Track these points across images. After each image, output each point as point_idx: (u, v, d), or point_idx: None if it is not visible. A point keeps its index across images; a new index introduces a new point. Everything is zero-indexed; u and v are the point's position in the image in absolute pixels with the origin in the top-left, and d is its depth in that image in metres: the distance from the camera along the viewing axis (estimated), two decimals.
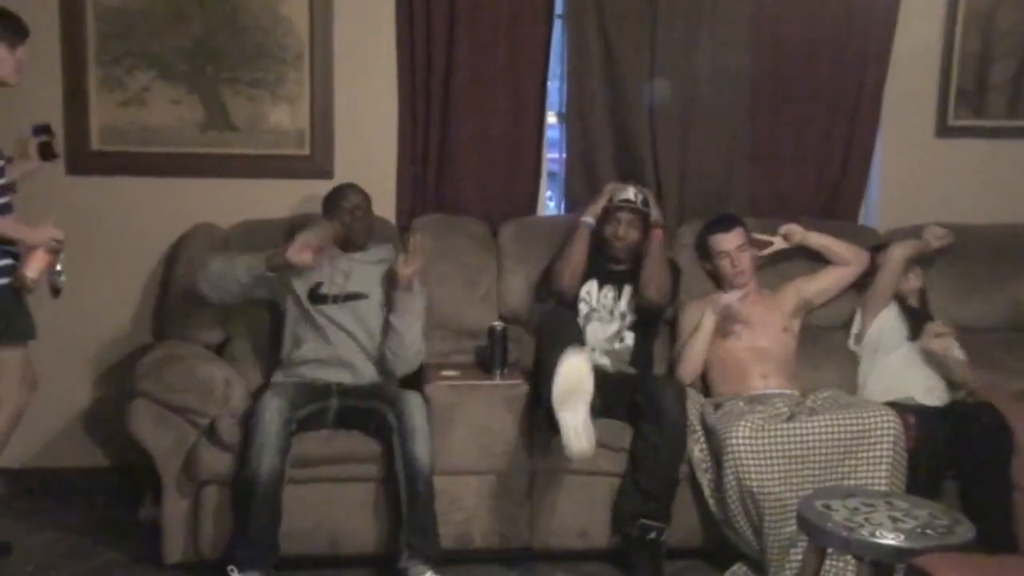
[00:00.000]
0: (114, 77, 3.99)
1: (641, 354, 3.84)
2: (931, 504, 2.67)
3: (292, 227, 3.81)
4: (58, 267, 3.40)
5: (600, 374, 3.47)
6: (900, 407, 3.47)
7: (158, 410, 3.38)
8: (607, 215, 3.86)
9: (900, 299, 3.91)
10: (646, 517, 3.42)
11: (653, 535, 3.42)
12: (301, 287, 3.63)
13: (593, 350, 3.72)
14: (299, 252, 3.45)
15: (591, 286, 3.85)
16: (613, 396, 3.54)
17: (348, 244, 3.70)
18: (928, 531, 2.42)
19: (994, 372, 3.90)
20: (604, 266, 3.87)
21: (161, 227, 4.04)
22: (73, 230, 3.89)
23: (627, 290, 3.85)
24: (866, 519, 2.48)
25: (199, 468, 3.36)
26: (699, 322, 3.77)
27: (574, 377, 3.25)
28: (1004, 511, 2.94)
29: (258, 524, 3.22)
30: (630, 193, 3.88)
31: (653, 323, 3.89)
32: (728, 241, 3.86)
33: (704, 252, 3.96)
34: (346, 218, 3.66)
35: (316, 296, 3.63)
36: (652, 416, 3.44)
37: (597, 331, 3.79)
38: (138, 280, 4.10)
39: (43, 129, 3.65)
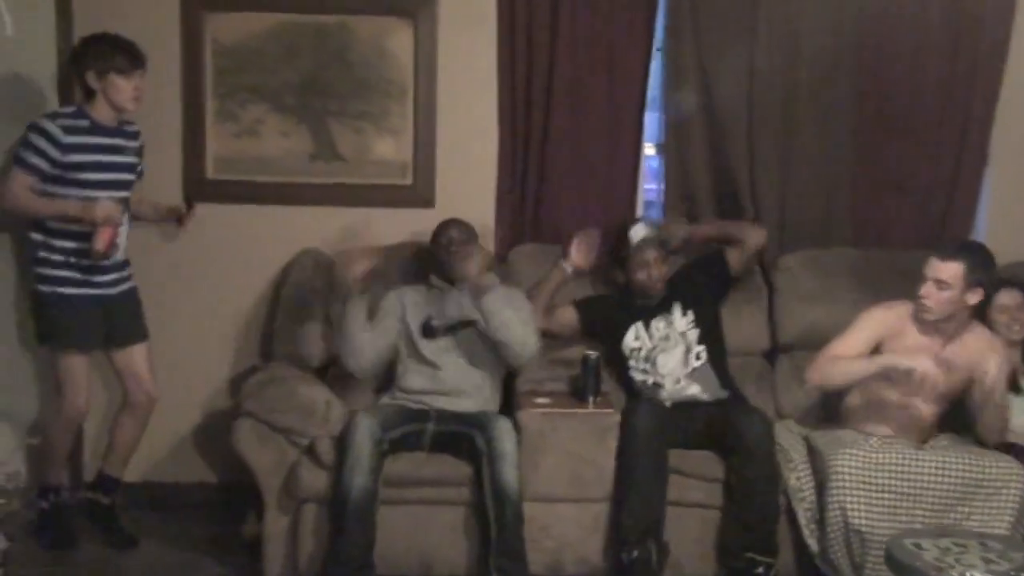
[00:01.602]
0: (228, 110, 4.17)
1: (720, 371, 3.82)
2: None
3: (394, 254, 3.96)
4: (117, 241, 3.60)
5: (691, 404, 3.49)
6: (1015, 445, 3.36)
7: (261, 429, 3.51)
8: (628, 264, 3.88)
9: None
10: (751, 551, 3.39)
11: (761, 570, 3.38)
12: (413, 322, 3.74)
13: (678, 382, 3.74)
14: (352, 266, 3.67)
15: (638, 331, 3.85)
16: (703, 426, 3.54)
17: (452, 278, 3.78)
18: (1022, 574, 2.36)
19: None
20: (642, 305, 3.89)
21: (270, 252, 4.20)
22: (188, 254, 4.14)
23: (676, 309, 3.86)
24: (957, 559, 2.44)
25: (299, 486, 3.47)
26: (881, 355, 3.40)
27: None
28: None
29: (350, 542, 3.31)
30: (642, 231, 3.90)
31: (715, 325, 3.89)
32: (932, 269, 3.38)
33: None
34: (443, 254, 3.76)
35: (427, 329, 3.73)
36: (741, 451, 3.42)
37: (669, 361, 3.78)
38: (248, 303, 4.26)
39: (189, 203, 3.99)
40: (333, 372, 3.93)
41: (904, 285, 3.87)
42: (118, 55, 3.53)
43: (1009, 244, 4.16)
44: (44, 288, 3.61)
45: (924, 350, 3.37)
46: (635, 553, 3.36)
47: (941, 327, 3.42)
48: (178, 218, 4.00)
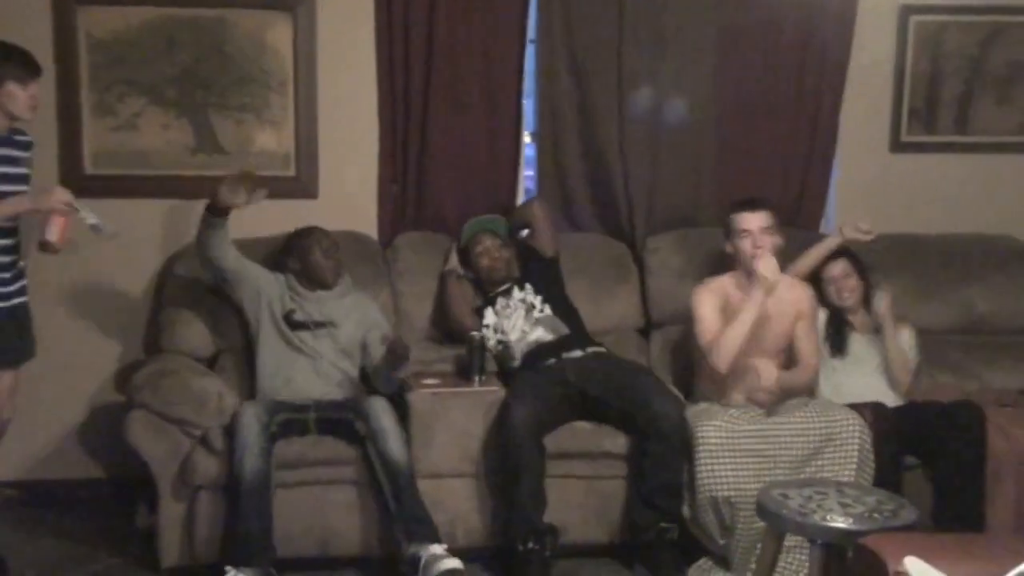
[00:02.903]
0: (106, 104, 4.15)
1: (563, 315, 4.03)
2: (879, 491, 2.87)
3: (278, 245, 4.02)
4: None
5: (572, 377, 3.70)
6: (857, 405, 3.65)
7: (155, 421, 3.54)
8: (469, 255, 4.13)
9: (835, 310, 3.99)
10: (662, 522, 3.57)
11: (672, 534, 3.57)
12: (277, 307, 3.82)
13: (523, 335, 3.95)
14: (231, 191, 3.60)
15: (488, 318, 4.04)
16: (604, 395, 3.72)
17: (315, 284, 3.88)
18: (875, 515, 2.63)
19: (951, 373, 4.14)
20: (493, 294, 4.10)
21: (152, 247, 4.22)
22: (69, 248, 4.09)
23: (515, 288, 4.07)
24: (818, 505, 2.69)
25: (194, 474, 3.52)
26: (737, 311, 3.64)
27: None
28: (975, 495, 3.30)
29: (248, 522, 3.38)
30: (473, 224, 4.19)
31: (554, 280, 4.12)
32: (750, 221, 3.74)
33: (726, 232, 3.82)
34: (319, 258, 3.87)
35: (292, 322, 3.82)
36: (655, 435, 3.55)
37: (513, 322, 3.99)
38: (131, 297, 4.26)
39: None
40: (220, 364, 3.98)
41: None
42: (13, 63, 3.46)
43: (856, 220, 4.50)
44: None
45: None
46: (529, 544, 3.50)
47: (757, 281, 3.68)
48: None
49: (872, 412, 3.59)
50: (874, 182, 4.59)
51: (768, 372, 3.59)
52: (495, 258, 4.10)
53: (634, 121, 4.39)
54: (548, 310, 4.02)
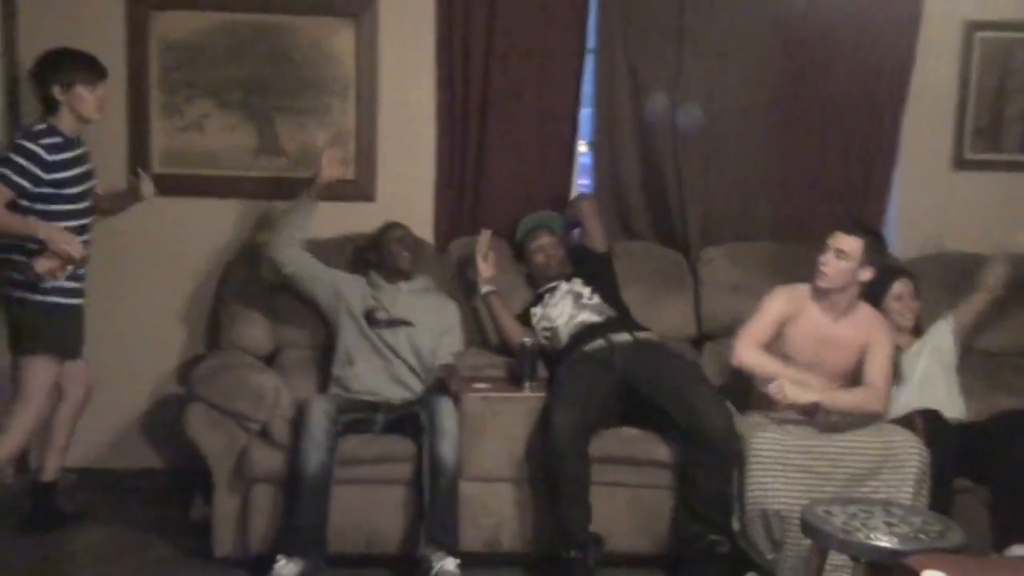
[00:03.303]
0: (174, 105, 4.28)
1: (611, 301, 4.05)
2: (926, 512, 2.85)
3: (336, 246, 4.11)
4: (72, 269, 3.61)
5: (620, 363, 3.74)
6: (912, 413, 3.62)
7: (213, 414, 3.63)
8: (524, 253, 4.18)
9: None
10: (710, 534, 3.53)
11: (723, 548, 3.52)
12: (358, 307, 3.91)
13: (570, 319, 3.99)
14: (328, 168, 3.89)
15: (537, 313, 4.09)
16: (628, 403, 3.73)
17: (393, 275, 3.97)
18: (920, 535, 2.61)
19: (1012, 396, 4.03)
20: (539, 289, 4.15)
21: (215, 244, 4.32)
22: (135, 245, 4.23)
23: (562, 285, 4.10)
24: (863, 523, 2.68)
25: (251, 467, 3.60)
26: (789, 374, 3.57)
27: None
28: None
29: (306, 515, 3.46)
30: (531, 221, 4.21)
31: (605, 274, 4.15)
32: (834, 240, 3.62)
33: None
34: (393, 248, 3.96)
35: (372, 319, 3.90)
36: (704, 446, 3.54)
37: (565, 310, 4.02)
38: (194, 293, 4.37)
39: (136, 172, 3.99)
40: (278, 361, 4.06)
41: None
42: (81, 67, 3.60)
43: (915, 239, 4.47)
44: (36, 296, 3.62)
45: (819, 325, 3.66)
46: (572, 553, 3.51)
47: (835, 301, 3.66)
48: (134, 193, 3.96)
49: (924, 418, 3.56)
50: (936, 199, 4.53)
51: (785, 387, 3.49)
52: (550, 255, 4.15)
53: (690, 132, 4.39)
54: (597, 298, 4.05)
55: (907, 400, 3.83)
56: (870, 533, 2.61)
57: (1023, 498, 3.47)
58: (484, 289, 4.08)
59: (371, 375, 3.85)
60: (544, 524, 3.68)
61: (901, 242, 4.49)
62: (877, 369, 3.63)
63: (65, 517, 3.94)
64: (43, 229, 3.54)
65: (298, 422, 3.58)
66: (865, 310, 3.75)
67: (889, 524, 2.68)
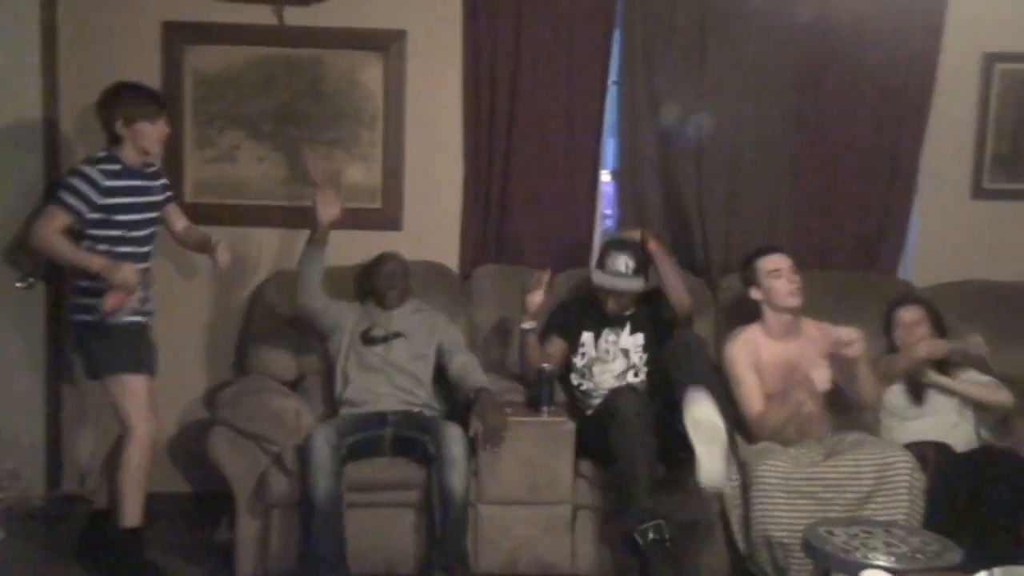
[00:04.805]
0: (206, 136, 4.40)
1: (657, 384, 3.94)
2: (926, 533, 2.87)
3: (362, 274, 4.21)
4: (136, 304, 3.68)
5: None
6: (921, 444, 3.64)
7: (235, 437, 3.71)
8: (604, 270, 3.99)
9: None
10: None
11: (654, 535, 3.46)
12: (354, 330, 4.01)
13: (616, 379, 3.96)
14: (325, 211, 3.88)
15: (586, 338, 4.05)
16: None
17: (384, 305, 4.08)
18: (918, 555, 2.63)
19: None
20: (598, 314, 4.05)
21: (245, 272, 4.42)
22: (167, 273, 4.34)
23: (627, 326, 4.03)
24: (862, 543, 2.70)
25: (268, 492, 3.68)
26: (785, 399, 3.73)
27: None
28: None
29: (321, 542, 3.52)
30: (621, 265, 3.94)
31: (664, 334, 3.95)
32: (779, 261, 3.90)
33: (749, 280, 3.96)
34: (382, 282, 4.06)
35: (368, 338, 3.99)
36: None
37: (604, 373, 3.99)
38: (223, 319, 4.47)
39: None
40: (302, 386, 4.14)
41: (838, 303, 4.20)
42: (143, 102, 3.70)
43: (936, 266, 4.49)
44: (86, 317, 3.67)
45: (780, 352, 3.87)
46: (651, 535, 3.44)
47: (787, 323, 3.88)
48: (212, 255, 3.95)
49: (936, 450, 3.57)
50: (955, 228, 4.55)
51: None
52: (619, 306, 4.01)
53: (712, 161, 4.45)
54: (644, 376, 4.00)
55: (919, 428, 3.85)
56: (868, 553, 2.64)
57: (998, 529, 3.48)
58: (526, 325, 3.97)
59: (371, 387, 3.92)
60: (561, 548, 3.73)
61: (921, 268, 4.52)
62: (865, 386, 3.81)
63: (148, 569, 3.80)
64: (97, 261, 3.60)
65: (304, 452, 3.63)
66: (807, 323, 3.92)
67: (888, 544, 2.71)
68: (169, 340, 4.36)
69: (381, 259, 4.16)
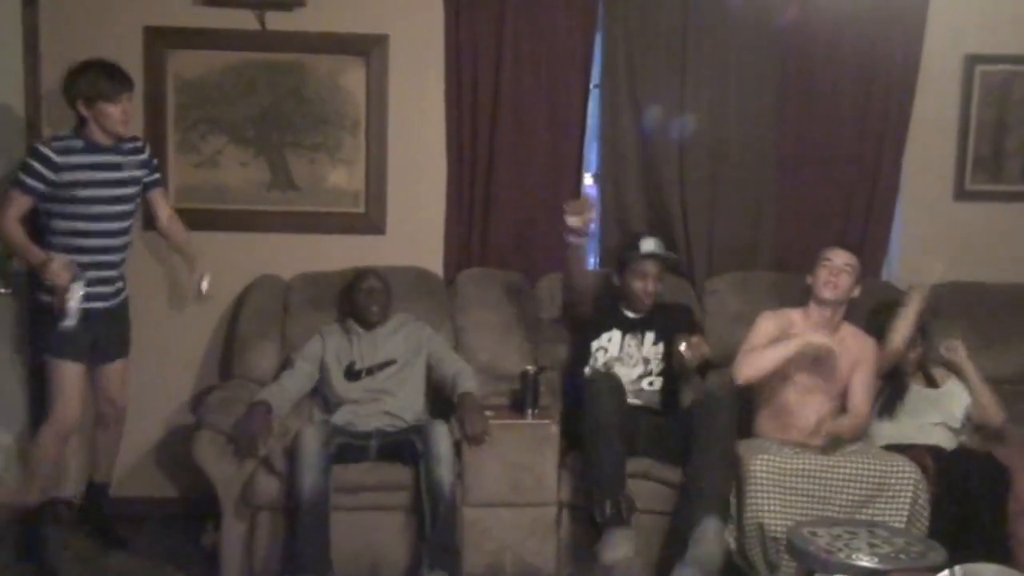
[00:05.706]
0: (189, 142, 4.40)
1: (669, 401, 4.04)
2: (910, 534, 2.89)
3: (345, 279, 4.21)
4: (72, 303, 3.62)
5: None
6: (918, 448, 3.65)
7: (220, 441, 3.71)
8: (629, 269, 4.05)
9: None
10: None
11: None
12: (338, 365, 3.99)
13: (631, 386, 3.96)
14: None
15: (613, 335, 4.07)
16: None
17: (366, 324, 4.05)
18: (901, 556, 2.65)
19: (1015, 424, 4.04)
20: (623, 316, 4.10)
21: (229, 277, 4.39)
22: (151, 278, 4.34)
23: (648, 336, 4.07)
24: (846, 544, 2.72)
25: (255, 494, 3.68)
26: (787, 339, 3.74)
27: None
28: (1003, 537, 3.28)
29: (308, 536, 3.52)
30: (652, 245, 4.04)
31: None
32: (834, 254, 3.87)
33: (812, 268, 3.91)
34: (363, 299, 4.04)
35: (352, 374, 3.98)
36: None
37: (622, 374, 4.00)
38: (208, 325, 4.46)
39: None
40: None
41: None
42: (102, 82, 3.68)
43: (919, 269, 4.48)
44: (45, 298, 3.71)
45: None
46: (608, 509, 3.50)
47: (828, 318, 3.83)
48: (192, 277, 4.04)
49: (933, 455, 3.59)
50: (938, 230, 4.58)
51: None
52: (648, 292, 4.04)
53: (694, 164, 4.46)
54: (658, 385, 4.04)
55: (900, 430, 3.87)
56: (852, 553, 2.65)
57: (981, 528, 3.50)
58: (571, 240, 3.89)
59: (358, 412, 3.90)
60: (546, 550, 3.73)
61: (905, 270, 4.53)
62: (861, 395, 3.78)
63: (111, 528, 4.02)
64: (35, 255, 3.63)
65: (292, 449, 3.64)
66: (849, 328, 3.86)
67: (872, 544, 2.73)
68: (155, 344, 4.38)
69: (360, 276, 4.13)
